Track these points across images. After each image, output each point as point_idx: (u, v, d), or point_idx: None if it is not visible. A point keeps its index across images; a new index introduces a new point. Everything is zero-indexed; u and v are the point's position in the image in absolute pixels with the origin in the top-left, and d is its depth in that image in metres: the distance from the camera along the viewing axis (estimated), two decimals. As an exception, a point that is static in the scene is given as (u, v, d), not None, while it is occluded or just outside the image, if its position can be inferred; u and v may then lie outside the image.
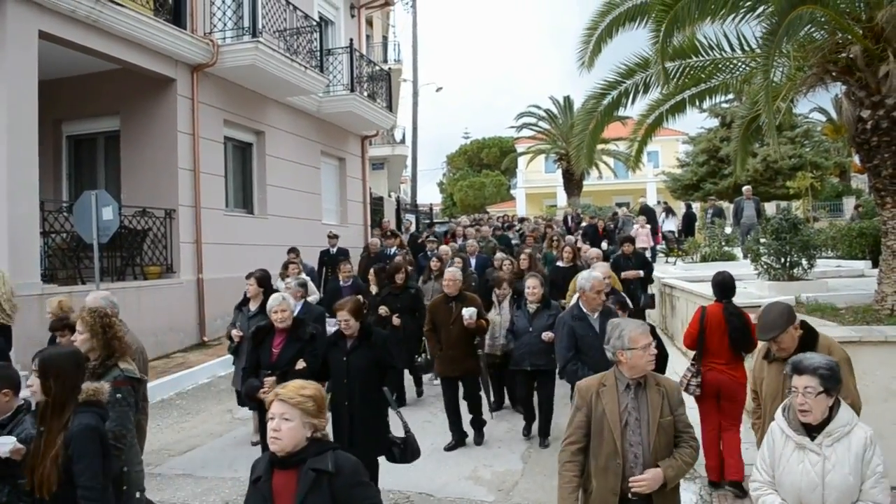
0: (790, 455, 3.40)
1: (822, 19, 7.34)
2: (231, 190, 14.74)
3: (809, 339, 4.17)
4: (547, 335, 7.14)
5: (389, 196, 27.11)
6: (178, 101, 12.59)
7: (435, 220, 30.12)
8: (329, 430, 5.10)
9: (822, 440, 3.30)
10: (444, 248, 13.08)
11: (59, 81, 12.14)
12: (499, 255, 11.77)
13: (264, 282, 8.02)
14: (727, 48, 8.82)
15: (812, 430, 3.32)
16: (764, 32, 7.17)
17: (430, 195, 65.16)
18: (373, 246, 14.73)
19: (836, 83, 8.17)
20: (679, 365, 9.20)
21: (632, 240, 12.36)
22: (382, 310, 8.99)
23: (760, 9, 7.70)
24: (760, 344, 4.58)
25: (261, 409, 5.71)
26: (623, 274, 10.83)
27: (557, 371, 6.14)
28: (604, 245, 19.02)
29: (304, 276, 10.09)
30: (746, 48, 8.64)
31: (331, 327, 8.63)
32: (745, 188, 19.05)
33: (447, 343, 7.68)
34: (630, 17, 8.77)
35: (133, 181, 12.59)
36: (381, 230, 18.37)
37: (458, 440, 7.67)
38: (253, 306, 7.88)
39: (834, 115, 28.05)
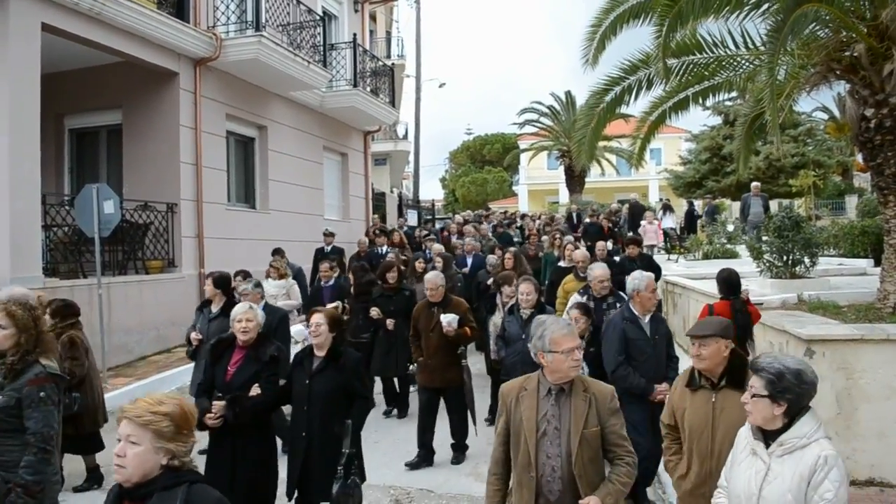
0: (743, 459, 3.16)
1: (827, 17, 7.33)
2: (233, 184, 14.72)
3: (737, 368, 3.74)
4: None
5: (392, 192, 27.09)
6: (180, 94, 12.57)
7: (436, 217, 30.07)
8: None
9: (774, 449, 3.00)
10: (436, 246, 12.66)
11: (62, 75, 12.12)
12: (490, 258, 11.33)
13: (222, 283, 7.62)
14: (731, 45, 8.81)
15: (769, 437, 3.04)
16: (769, 30, 7.17)
17: (432, 191, 65.17)
18: (361, 245, 14.26)
19: (839, 81, 8.16)
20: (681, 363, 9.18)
21: (638, 241, 11.62)
22: (374, 312, 8.56)
23: (765, 6, 7.69)
24: (682, 370, 4.17)
25: (203, 428, 4.89)
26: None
27: (611, 374, 5.56)
28: (608, 245, 18.81)
29: (285, 281, 10.09)
30: (751, 46, 8.63)
31: (301, 334, 8.39)
32: (753, 184, 18.31)
33: (426, 351, 7.21)
34: (634, 14, 8.76)
35: (135, 175, 12.58)
36: (373, 227, 17.88)
37: (423, 457, 7.11)
38: (214, 308, 7.49)
39: (837, 113, 28.03)
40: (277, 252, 11.37)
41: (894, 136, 7.31)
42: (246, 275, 8.54)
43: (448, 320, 6.84)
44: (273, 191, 15.45)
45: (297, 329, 7.90)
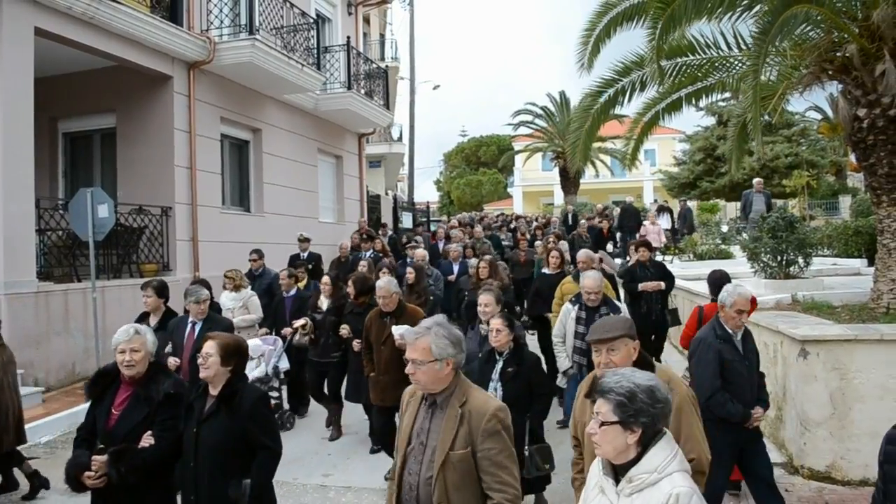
0: (593, 498, 2.69)
1: (818, 18, 7.35)
2: (228, 188, 14.71)
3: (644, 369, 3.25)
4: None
5: (387, 194, 27.07)
6: (174, 98, 12.56)
7: (430, 220, 30.03)
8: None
9: (624, 486, 2.52)
10: (419, 252, 11.59)
11: (56, 78, 12.11)
12: (473, 261, 10.93)
13: (164, 292, 7.03)
14: (724, 47, 8.86)
15: (620, 471, 2.56)
16: (755, 32, 7.19)
17: (427, 193, 65.19)
18: (342, 250, 13.53)
19: (832, 82, 8.18)
20: (677, 363, 9.23)
21: (648, 244, 10.26)
22: (344, 330, 7.60)
23: (757, 7, 7.72)
24: (584, 381, 3.65)
25: (81, 489, 3.94)
26: (641, 286, 9.17)
27: (705, 402, 4.72)
28: (609, 247, 18.20)
29: (243, 292, 9.02)
30: (743, 47, 8.66)
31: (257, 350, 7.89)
32: (755, 180, 17.00)
33: (378, 366, 6.63)
34: (628, 17, 8.79)
35: (129, 179, 12.56)
36: (359, 231, 16.84)
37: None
38: (153, 321, 6.86)
39: (830, 113, 28.10)
40: (255, 252, 10.86)
41: (887, 136, 7.33)
42: (204, 283, 7.48)
43: (400, 332, 6.04)
44: (267, 194, 15.43)
45: (254, 344, 7.30)
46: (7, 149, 9.23)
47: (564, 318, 6.93)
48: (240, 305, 8.96)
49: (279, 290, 9.39)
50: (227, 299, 9.03)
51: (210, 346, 3.89)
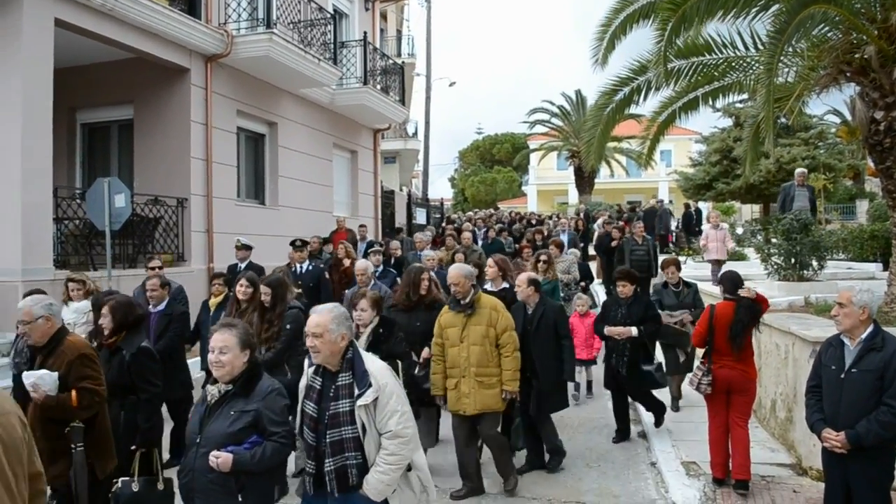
0: None
1: (837, 19, 7.32)
2: (243, 180, 14.80)
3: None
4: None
5: (401, 190, 27.13)
6: (191, 90, 12.65)
7: (441, 216, 30.00)
8: None
9: None
10: (361, 263, 8.79)
11: (74, 69, 12.20)
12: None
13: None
14: (741, 47, 8.81)
15: None
16: (771, 31, 7.16)
17: (442, 190, 65.21)
18: (292, 257, 10.82)
19: (850, 84, 8.14)
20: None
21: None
22: None
23: (774, 7, 7.68)
24: None
25: None
26: (607, 330, 7.43)
27: None
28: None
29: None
30: (760, 47, 8.60)
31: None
32: (797, 171, 13.95)
33: None
34: (644, 14, 8.80)
35: (146, 169, 12.67)
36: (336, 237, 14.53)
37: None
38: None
39: (848, 116, 27.86)
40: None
41: (903, 139, 7.30)
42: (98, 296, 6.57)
43: (31, 381, 4.38)
44: (282, 187, 15.51)
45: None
46: (26, 138, 9.32)
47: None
48: (83, 321, 7.15)
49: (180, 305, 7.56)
50: (71, 312, 7.27)
51: None
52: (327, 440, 3.69)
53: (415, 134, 29.90)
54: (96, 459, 4.52)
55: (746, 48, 8.76)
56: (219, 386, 3.73)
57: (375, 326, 5.89)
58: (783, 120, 9.85)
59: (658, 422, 7.77)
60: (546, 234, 17.37)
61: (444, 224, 22.37)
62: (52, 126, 9.85)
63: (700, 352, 6.64)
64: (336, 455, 3.68)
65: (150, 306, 7.13)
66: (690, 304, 8.26)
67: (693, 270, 13.77)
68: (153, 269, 8.26)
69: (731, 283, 6.33)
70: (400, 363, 5.90)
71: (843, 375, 4.49)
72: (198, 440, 3.67)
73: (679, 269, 8.56)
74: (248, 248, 10.43)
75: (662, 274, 8.73)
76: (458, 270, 6.21)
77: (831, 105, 30.60)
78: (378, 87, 18.40)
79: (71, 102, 12.94)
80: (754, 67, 9.00)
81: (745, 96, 11.29)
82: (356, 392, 3.71)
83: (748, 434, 6.15)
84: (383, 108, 18.49)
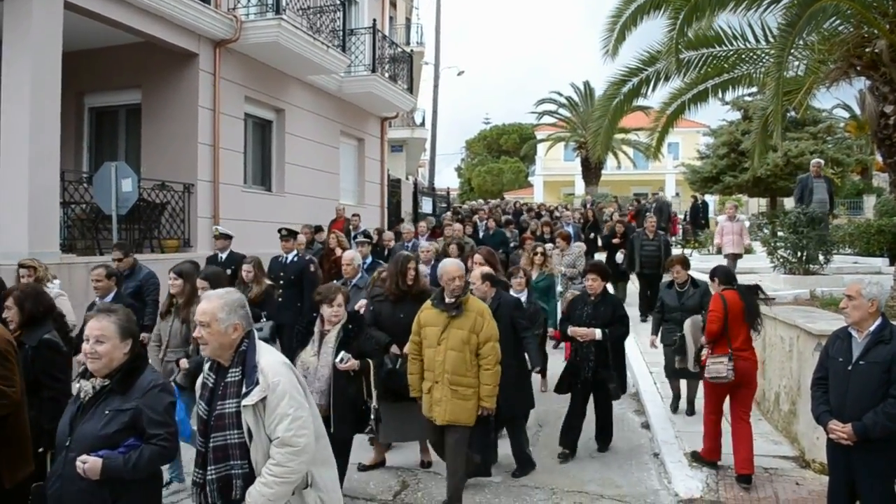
0: None
1: (848, 12, 7.29)
2: (250, 166, 14.80)
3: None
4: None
5: (407, 179, 27.12)
6: (199, 76, 12.63)
7: (447, 205, 30.00)
8: None
9: None
10: (347, 253, 8.23)
11: (82, 53, 12.19)
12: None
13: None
14: (752, 39, 8.77)
15: None
16: (782, 24, 7.12)
17: (448, 180, 65.19)
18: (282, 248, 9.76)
19: (860, 78, 8.11)
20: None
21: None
22: None
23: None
24: None
25: None
26: (570, 330, 6.82)
27: None
28: (619, 256, 13.56)
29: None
30: (771, 39, 8.57)
31: None
32: (813, 161, 13.40)
33: None
34: (655, 5, 8.73)
35: (153, 154, 12.67)
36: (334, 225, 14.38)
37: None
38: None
39: (858, 111, 27.78)
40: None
41: (913, 135, 7.27)
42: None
43: None
44: (289, 174, 15.51)
45: None
46: (34, 121, 9.32)
47: None
48: None
49: (152, 292, 7.69)
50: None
51: None
52: (211, 444, 3.25)
53: (422, 123, 29.86)
54: (4, 467, 4.04)
55: (757, 40, 8.72)
56: (93, 381, 3.30)
57: (345, 323, 5.51)
58: (792, 113, 9.78)
59: (601, 448, 7.07)
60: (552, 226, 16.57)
61: (447, 213, 22.27)
62: (60, 109, 9.84)
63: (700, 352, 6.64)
64: (219, 462, 3.24)
65: (97, 298, 6.81)
66: (695, 307, 7.51)
67: (700, 263, 13.72)
68: (116, 259, 7.93)
69: (726, 275, 6.40)
70: (371, 362, 5.53)
71: (850, 367, 4.51)
72: (67, 443, 3.25)
73: (686, 267, 8.02)
74: (228, 236, 9.75)
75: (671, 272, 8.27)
76: (454, 265, 5.75)
77: (840, 99, 30.53)
78: (386, 75, 18.37)
79: (79, 86, 12.93)
80: (764, 60, 8.97)
81: (754, 89, 11.25)
82: (243, 391, 3.25)
83: (751, 429, 6.16)
84: (391, 96, 18.46)
